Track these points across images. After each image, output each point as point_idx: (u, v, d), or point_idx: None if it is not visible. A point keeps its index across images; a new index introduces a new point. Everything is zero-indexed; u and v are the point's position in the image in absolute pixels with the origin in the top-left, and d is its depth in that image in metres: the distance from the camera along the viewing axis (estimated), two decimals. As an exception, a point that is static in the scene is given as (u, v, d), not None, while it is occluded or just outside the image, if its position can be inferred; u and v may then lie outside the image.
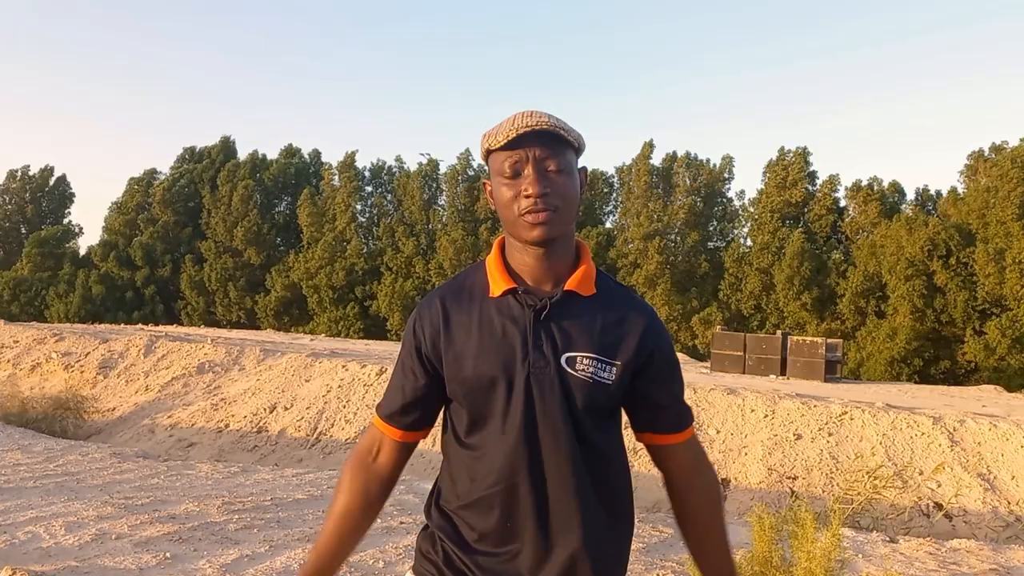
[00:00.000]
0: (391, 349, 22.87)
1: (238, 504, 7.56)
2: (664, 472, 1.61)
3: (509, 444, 1.45)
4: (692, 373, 18.91)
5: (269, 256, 41.38)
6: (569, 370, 1.45)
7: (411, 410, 1.57)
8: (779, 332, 21.43)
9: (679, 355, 23.89)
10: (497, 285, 1.52)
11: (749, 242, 33.50)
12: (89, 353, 18.62)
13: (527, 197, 1.45)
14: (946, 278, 26.95)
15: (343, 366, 15.49)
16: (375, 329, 36.40)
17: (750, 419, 11.86)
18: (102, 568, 5.57)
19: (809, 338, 20.64)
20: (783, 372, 19.09)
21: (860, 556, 6.42)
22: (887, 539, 7.51)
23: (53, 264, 44.37)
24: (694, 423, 1.63)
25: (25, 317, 38.32)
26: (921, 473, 10.23)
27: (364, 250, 39.35)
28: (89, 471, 9.28)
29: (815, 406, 11.94)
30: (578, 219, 1.57)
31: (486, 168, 1.57)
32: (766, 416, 11.84)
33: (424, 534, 1.61)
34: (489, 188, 1.55)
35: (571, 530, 1.46)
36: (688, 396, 12.59)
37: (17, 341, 20.31)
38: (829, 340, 20.07)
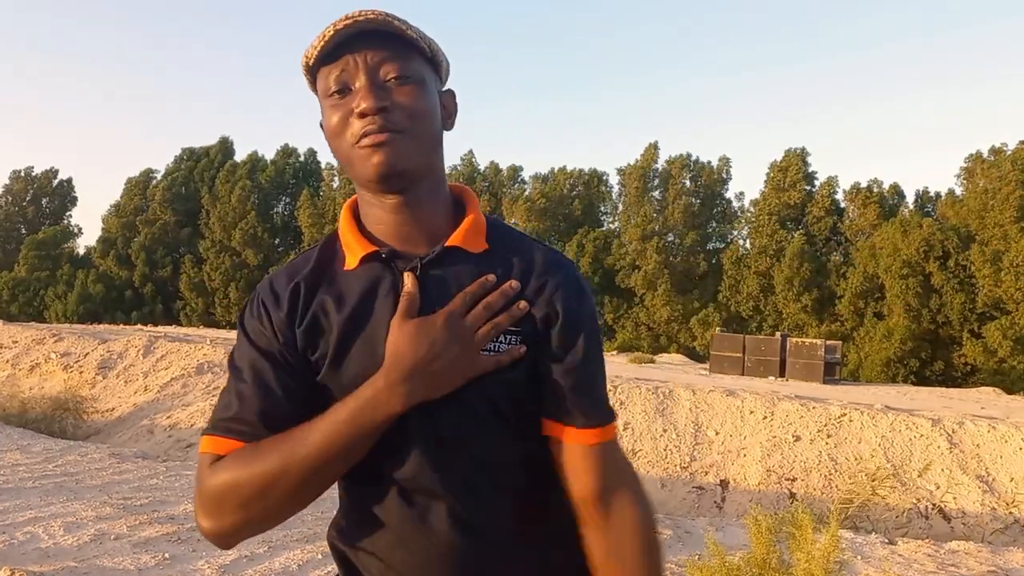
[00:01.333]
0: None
1: (237, 505, 7.53)
2: (568, 492, 1.14)
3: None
4: (691, 375, 18.91)
5: (267, 257, 41.38)
6: None
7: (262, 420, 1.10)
8: (778, 334, 21.46)
9: (677, 355, 23.88)
10: (353, 254, 1.13)
11: (748, 244, 33.54)
12: (88, 353, 18.61)
13: (361, 117, 1.06)
14: (943, 280, 26.98)
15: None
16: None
17: (749, 420, 11.86)
18: (101, 568, 5.57)
19: (808, 340, 20.66)
20: (782, 374, 19.10)
21: (859, 558, 6.43)
22: (886, 541, 7.51)
23: (51, 265, 44.36)
24: (613, 423, 1.15)
25: (24, 317, 38.29)
26: (920, 475, 10.24)
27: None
28: (88, 471, 9.28)
29: (814, 408, 11.94)
30: (438, 155, 1.16)
31: (312, 92, 1.17)
32: (765, 418, 11.84)
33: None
34: (322, 123, 1.14)
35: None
36: (687, 397, 12.61)
37: (16, 341, 20.30)
38: (828, 342, 20.09)
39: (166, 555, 5.94)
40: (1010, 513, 9.54)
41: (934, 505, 9.77)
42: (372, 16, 1.05)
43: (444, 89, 1.18)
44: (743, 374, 19.28)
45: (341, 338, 1.10)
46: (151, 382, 16.59)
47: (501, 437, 1.11)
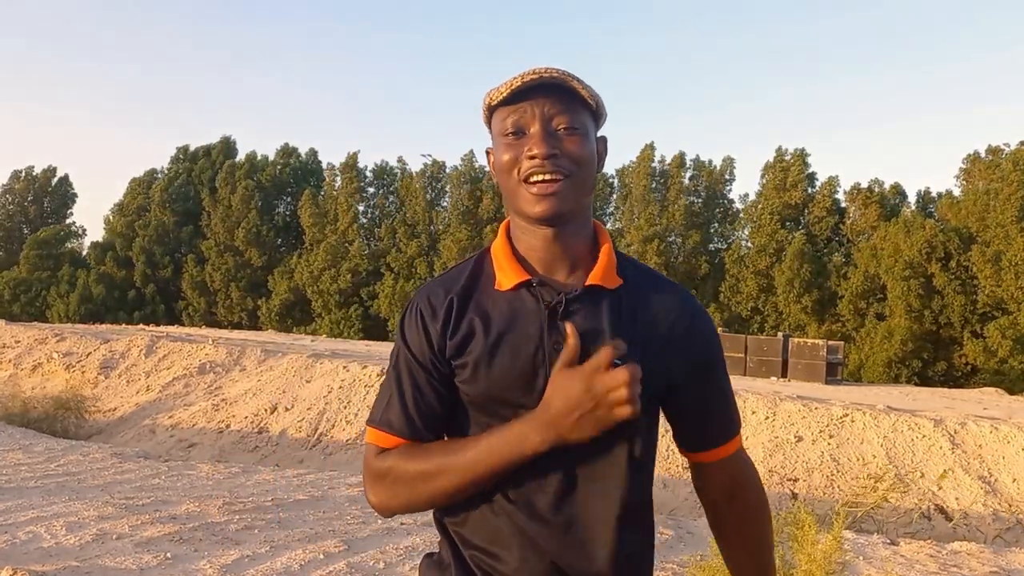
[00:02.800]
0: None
1: (239, 504, 7.57)
2: (702, 493, 1.42)
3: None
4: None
5: (270, 257, 41.39)
6: None
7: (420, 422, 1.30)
8: (780, 334, 21.45)
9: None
10: (507, 277, 1.28)
11: (749, 244, 33.53)
12: (90, 353, 18.63)
13: (531, 159, 1.22)
14: (944, 281, 26.97)
15: (344, 367, 15.49)
16: (376, 329, 36.41)
17: (751, 421, 11.86)
18: (103, 568, 5.57)
19: (810, 340, 20.66)
20: (784, 374, 19.09)
21: (861, 558, 6.42)
22: (888, 541, 7.50)
23: (52, 264, 44.40)
24: (740, 434, 1.40)
25: (26, 317, 38.34)
26: (923, 476, 10.22)
27: (366, 251, 39.39)
28: (90, 471, 9.29)
29: (816, 408, 11.94)
30: (591, 196, 1.32)
31: (486, 127, 1.34)
32: (767, 418, 11.84)
33: (431, 562, 1.38)
34: (491, 156, 1.32)
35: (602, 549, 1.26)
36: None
37: (19, 341, 20.33)
38: (830, 342, 20.09)
39: (168, 555, 5.94)
40: (1012, 514, 9.53)
41: (936, 506, 9.76)
42: (556, 75, 1.23)
43: (599, 136, 1.33)
44: (745, 374, 19.28)
45: (490, 348, 1.25)
46: (153, 382, 16.60)
47: (629, 474, 1.26)
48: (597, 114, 1.30)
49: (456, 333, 1.26)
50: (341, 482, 8.64)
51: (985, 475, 10.21)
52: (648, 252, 32.78)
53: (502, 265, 1.30)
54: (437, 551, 1.39)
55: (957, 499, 9.83)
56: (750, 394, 12.81)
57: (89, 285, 41.96)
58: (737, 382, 16.62)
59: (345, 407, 14.11)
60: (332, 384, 14.89)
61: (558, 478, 1.24)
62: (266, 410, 14.14)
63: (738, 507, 1.40)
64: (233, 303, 41.01)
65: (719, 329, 23.82)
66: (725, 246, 34.83)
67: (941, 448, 10.70)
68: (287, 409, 14.45)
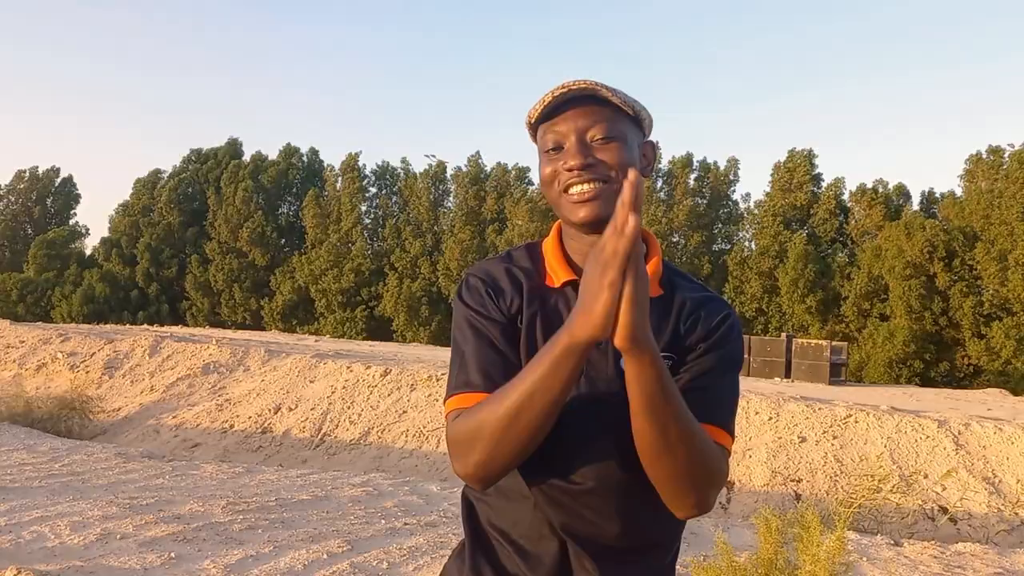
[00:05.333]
0: (395, 350, 22.90)
1: (242, 504, 7.58)
2: None
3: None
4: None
5: (274, 258, 41.45)
6: None
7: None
8: (783, 335, 21.42)
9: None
10: (556, 274, 1.35)
11: (753, 245, 33.50)
12: (94, 353, 18.67)
13: (568, 171, 1.28)
14: (948, 281, 26.92)
15: (348, 367, 15.50)
16: (380, 330, 36.44)
17: (754, 421, 11.85)
18: (107, 568, 5.59)
19: (814, 341, 20.64)
20: (787, 375, 19.07)
21: (864, 559, 6.42)
22: (891, 542, 7.49)
23: (59, 265, 44.49)
24: (728, 435, 1.34)
25: (31, 318, 38.41)
26: (926, 476, 10.21)
27: (369, 251, 39.43)
28: (94, 471, 9.30)
29: (820, 409, 11.92)
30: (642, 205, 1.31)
31: (534, 144, 1.41)
32: (770, 419, 11.83)
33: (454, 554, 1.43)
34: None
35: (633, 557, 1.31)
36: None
37: (23, 341, 20.37)
38: (833, 343, 20.07)
39: (172, 555, 5.95)
40: (1016, 515, 9.51)
41: (940, 507, 9.75)
42: (584, 85, 1.27)
43: (645, 140, 1.37)
44: (748, 375, 19.28)
45: (541, 336, 1.30)
46: (157, 382, 16.63)
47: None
48: (638, 119, 1.34)
49: (519, 311, 1.33)
50: (345, 482, 8.65)
51: (989, 476, 10.19)
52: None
53: (552, 264, 1.36)
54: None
55: (961, 500, 9.82)
56: (754, 395, 12.80)
57: (93, 285, 42.04)
58: (741, 382, 16.59)
59: (349, 407, 14.12)
60: (336, 384, 14.91)
61: (580, 458, 1.28)
62: (270, 410, 14.17)
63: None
64: (237, 303, 41.07)
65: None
66: (728, 247, 34.80)
67: (945, 449, 10.68)
68: (291, 409, 14.47)
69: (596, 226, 1.27)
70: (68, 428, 13.94)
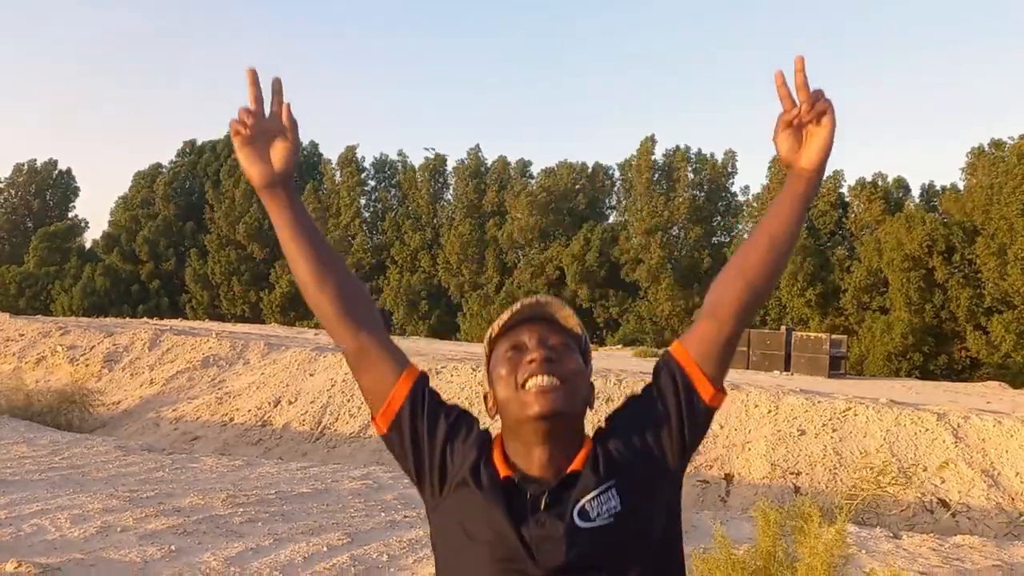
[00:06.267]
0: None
1: (242, 497, 7.58)
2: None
3: None
4: (696, 368, 18.82)
5: (272, 251, 41.45)
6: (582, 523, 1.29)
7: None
8: (783, 328, 21.41)
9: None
10: (500, 467, 1.37)
11: (752, 238, 33.46)
12: (94, 347, 18.66)
13: (529, 363, 1.33)
14: (946, 274, 26.92)
15: (347, 360, 15.50)
16: (379, 323, 36.43)
17: (754, 414, 11.86)
18: (107, 561, 5.59)
19: (813, 334, 20.64)
20: (787, 368, 19.08)
21: (863, 552, 6.43)
22: (890, 535, 7.51)
23: (59, 259, 44.47)
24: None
25: (31, 311, 38.39)
26: (925, 469, 10.22)
27: (369, 244, 39.40)
28: (94, 464, 9.31)
29: (819, 402, 11.93)
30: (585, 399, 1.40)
31: (486, 365, 1.45)
32: (770, 412, 11.84)
33: None
34: (490, 393, 1.42)
35: None
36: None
37: (22, 335, 20.37)
38: (833, 336, 20.06)
39: (172, 547, 5.96)
40: (1015, 507, 9.53)
41: (939, 499, 9.77)
42: (545, 303, 1.40)
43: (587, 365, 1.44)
44: (748, 368, 19.27)
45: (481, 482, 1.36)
46: (157, 375, 16.64)
47: None
48: (584, 349, 1.43)
49: (454, 469, 1.37)
50: (344, 475, 8.65)
51: (988, 469, 10.21)
52: (651, 244, 32.77)
53: (496, 459, 1.37)
54: None
55: (960, 493, 9.84)
56: (753, 388, 12.81)
57: (94, 279, 42.03)
58: (740, 376, 16.62)
59: (348, 400, 14.12)
60: (335, 378, 14.91)
61: None
62: (269, 403, 14.17)
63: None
64: (236, 296, 41.07)
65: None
66: (728, 239, 34.80)
67: (944, 442, 10.69)
68: (290, 402, 14.47)
69: (550, 420, 1.30)
70: (68, 421, 13.94)
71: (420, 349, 19.92)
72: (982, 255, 26.12)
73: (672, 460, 1.39)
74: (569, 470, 1.32)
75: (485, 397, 1.45)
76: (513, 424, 1.35)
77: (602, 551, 1.28)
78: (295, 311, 39.40)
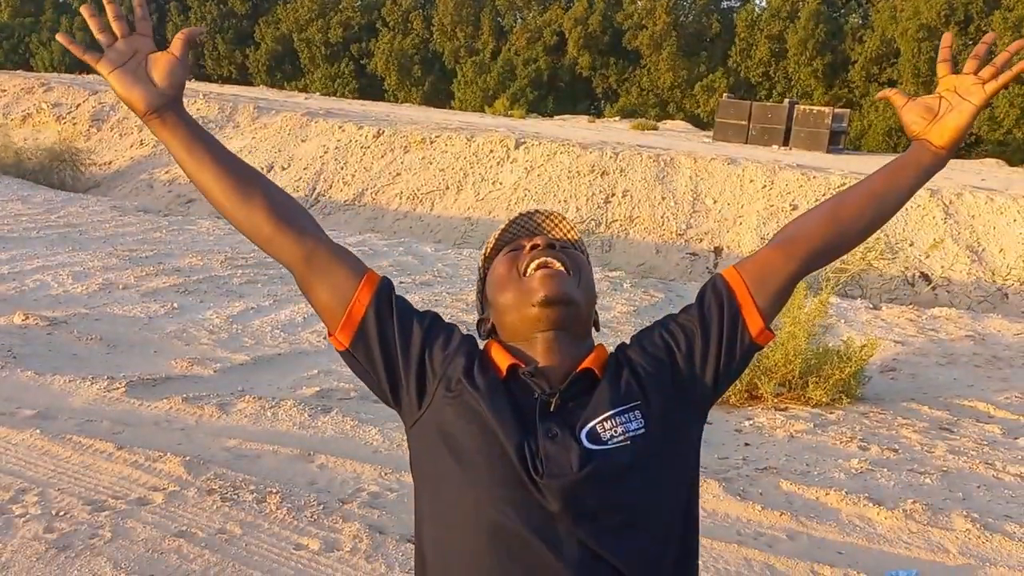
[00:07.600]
0: (388, 110, 22.41)
1: (240, 260, 7.73)
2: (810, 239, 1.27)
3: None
4: (694, 143, 18.71)
5: (256, 5, 39.38)
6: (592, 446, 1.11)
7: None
8: (786, 101, 20.88)
9: (681, 122, 23.26)
10: (501, 364, 1.18)
11: (764, 3, 31.80)
12: (80, 105, 18.22)
13: (532, 249, 1.19)
14: (960, 46, 25.92)
15: (340, 127, 15.23)
16: (371, 89, 35.39)
17: (748, 189, 11.88)
18: (112, 316, 5.78)
19: (816, 107, 20.20)
20: (786, 142, 18.86)
21: (843, 321, 6.68)
22: (870, 306, 7.78)
23: (34, 9, 42.28)
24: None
25: (10, 65, 37.03)
26: (912, 244, 10.41)
27: (358, 2, 37.38)
28: (91, 223, 9.39)
29: (814, 177, 11.91)
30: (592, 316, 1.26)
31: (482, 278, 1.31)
32: (764, 187, 11.85)
33: None
34: (483, 319, 1.28)
35: None
36: (688, 165, 12.52)
37: (4, 90, 19.80)
38: (836, 110, 19.64)
39: (174, 304, 6.15)
40: (993, 282, 9.82)
41: (921, 273, 10.04)
42: (545, 214, 1.27)
43: None
44: (747, 143, 19.02)
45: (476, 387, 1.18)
46: (147, 136, 16.34)
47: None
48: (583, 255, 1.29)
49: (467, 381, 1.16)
50: (341, 241, 8.76)
51: (973, 244, 10.41)
52: (656, 8, 31.14)
53: (496, 356, 1.20)
54: None
55: (943, 267, 10.09)
56: (749, 162, 12.72)
57: (72, 32, 40.13)
58: (738, 150, 16.46)
59: (342, 168, 14.04)
60: (328, 144, 14.72)
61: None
62: (262, 168, 14.09)
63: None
64: (220, 55, 39.57)
65: (724, 95, 23.20)
66: (739, 4, 33.06)
67: (934, 218, 10.81)
68: (283, 168, 14.38)
69: (558, 305, 1.15)
70: (60, 180, 13.92)
71: (413, 117, 19.51)
72: (998, 29, 25.02)
73: (703, 393, 1.21)
74: (581, 367, 1.16)
75: (478, 324, 1.29)
76: (514, 323, 1.19)
77: (620, 485, 1.11)
78: (280, 71, 38.19)
